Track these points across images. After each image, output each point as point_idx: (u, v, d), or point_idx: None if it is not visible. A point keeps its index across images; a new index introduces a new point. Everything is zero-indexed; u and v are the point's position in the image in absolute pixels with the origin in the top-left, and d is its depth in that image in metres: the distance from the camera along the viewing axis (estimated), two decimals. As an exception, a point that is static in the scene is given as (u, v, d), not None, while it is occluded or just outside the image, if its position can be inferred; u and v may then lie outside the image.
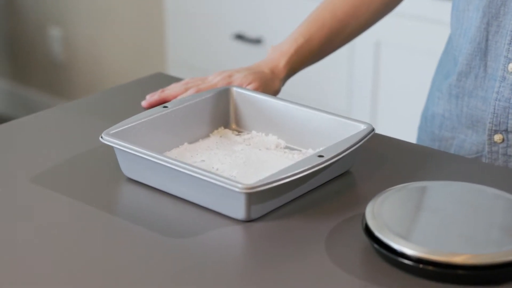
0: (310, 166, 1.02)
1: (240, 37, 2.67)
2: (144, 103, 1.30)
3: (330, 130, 1.14)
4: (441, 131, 1.34)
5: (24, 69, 3.56)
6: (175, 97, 1.28)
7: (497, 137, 1.25)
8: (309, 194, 1.06)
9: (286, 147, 1.18)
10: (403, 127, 2.02)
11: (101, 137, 1.09)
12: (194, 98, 1.20)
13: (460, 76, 1.29)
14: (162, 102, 1.27)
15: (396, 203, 0.99)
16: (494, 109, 1.24)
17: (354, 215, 1.02)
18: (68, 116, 1.31)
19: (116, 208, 1.07)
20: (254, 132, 1.21)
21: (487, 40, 1.24)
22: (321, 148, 1.13)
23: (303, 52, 1.33)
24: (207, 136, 1.20)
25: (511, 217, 0.98)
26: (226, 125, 1.22)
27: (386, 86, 2.41)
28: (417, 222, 0.97)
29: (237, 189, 0.98)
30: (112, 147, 1.09)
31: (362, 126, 1.12)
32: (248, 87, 1.26)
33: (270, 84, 1.30)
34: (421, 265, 0.90)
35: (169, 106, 1.17)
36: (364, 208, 0.98)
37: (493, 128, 1.25)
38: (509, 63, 1.22)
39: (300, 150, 1.16)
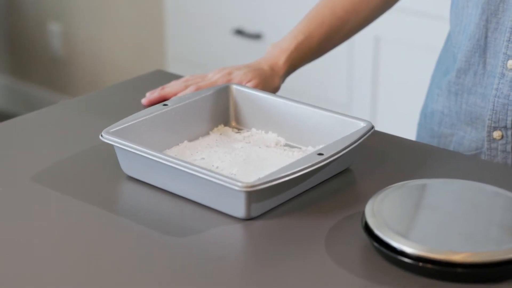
0: (310, 164, 1.02)
1: (239, 32, 2.67)
2: (144, 101, 1.30)
3: (330, 127, 1.14)
4: (440, 128, 1.34)
5: (24, 64, 3.56)
6: (175, 94, 1.28)
7: (496, 134, 1.25)
8: (308, 192, 1.07)
9: (286, 145, 1.18)
10: (403, 122, 2.02)
11: (101, 136, 1.09)
12: (193, 96, 1.20)
13: (459, 73, 1.29)
14: (162, 100, 1.28)
15: (396, 201, 0.99)
16: (493, 105, 1.24)
17: (354, 213, 1.02)
18: (68, 114, 1.31)
19: (116, 206, 1.07)
20: (254, 129, 1.21)
21: (486, 37, 1.24)
22: (321, 146, 1.13)
23: (302, 49, 1.34)
24: (207, 134, 1.20)
25: (510, 215, 0.98)
26: (226, 123, 1.23)
27: (386, 81, 2.41)
28: (416, 220, 0.97)
29: (237, 188, 0.98)
30: (112, 145, 1.09)
31: (362, 124, 1.12)
32: (248, 84, 1.26)
33: (270, 81, 1.30)
34: (420, 263, 0.90)
35: (169, 104, 1.17)
36: (364, 206, 0.99)
37: (492, 124, 1.25)
38: (508, 60, 1.22)
39: (300, 148, 1.17)
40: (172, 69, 2.88)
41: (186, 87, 1.28)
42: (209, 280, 0.92)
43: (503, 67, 1.22)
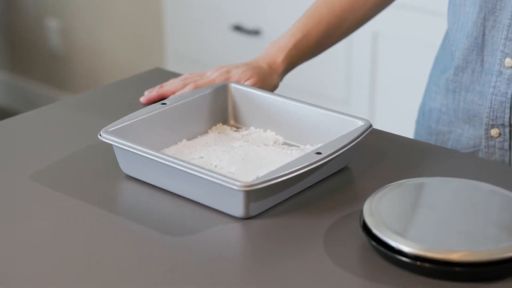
0: (308, 163, 1.02)
1: (238, 28, 2.67)
2: (142, 99, 1.30)
3: (328, 126, 1.15)
4: (438, 125, 1.34)
5: (22, 60, 3.56)
6: (173, 93, 1.28)
7: (494, 132, 1.25)
8: (307, 191, 1.07)
9: (284, 143, 1.18)
10: (402, 118, 2.02)
11: (100, 135, 1.09)
12: (192, 94, 1.20)
13: (457, 70, 1.29)
14: (160, 98, 1.28)
15: (394, 200, 0.99)
16: (491, 103, 1.24)
17: (352, 212, 1.02)
18: (66, 112, 1.31)
19: (115, 205, 1.08)
20: (252, 128, 1.21)
21: (483, 35, 1.25)
22: (319, 144, 1.13)
23: (301, 47, 1.34)
24: (206, 132, 1.20)
25: (508, 214, 0.98)
26: (225, 121, 1.23)
27: (384, 77, 2.42)
28: (414, 219, 0.98)
29: (235, 187, 0.98)
30: (110, 144, 1.09)
31: (360, 123, 1.12)
32: (246, 82, 1.26)
33: (268, 80, 1.30)
34: (418, 263, 0.90)
35: (167, 103, 1.18)
36: (362, 204, 0.99)
37: (490, 122, 1.25)
38: (505, 57, 1.22)
39: (298, 146, 1.17)
40: (170, 63, 2.88)
41: (185, 85, 1.29)
42: (207, 279, 0.92)
43: (501, 65, 1.23)
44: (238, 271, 0.95)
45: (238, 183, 0.98)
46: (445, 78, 1.32)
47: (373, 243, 0.94)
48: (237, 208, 1.01)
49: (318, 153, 1.04)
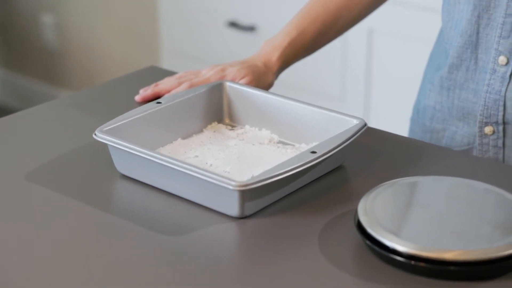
0: (303, 162, 1.03)
1: (233, 24, 2.67)
2: (137, 98, 1.30)
3: (323, 125, 1.15)
4: (432, 123, 1.34)
5: (17, 56, 3.55)
6: (168, 91, 1.28)
7: (488, 129, 1.26)
8: (302, 190, 1.07)
9: (279, 142, 1.18)
10: (397, 115, 2.03)
11: (95, 134, 1.09)
12: (187, 93, 1.20)
13: (451, 68, 1.29)
14: (155, 96, 1.28)
15: (388, 199, 1.00)
16: (485, 101, 1.25)
17: (347, 210, 1.03)
18: (61, 111, 1.31)
19: (110, 205, 1.08)
20: (247, 126, 1.21)
21: (478, 32, 1.25)
22: (314, 143, 1.13)
23: (296, 45, 1.34)
24: (201, 131, 1.21)
25: (502, 212, 0.99)
26: (220, 120, 1.23)
27: (380, 74, 2.42)
28: (409, 218, 0.98)
29: (230, 187, 0.99)
30: (105, 144, 1.09)
31: (355, 121, 1.12)
32: (241, 81, 1.27)
33: (264, 78, 1.31)
34: (413, 262, 0.91)
35: (162, 102, 1.18)
36: (357, 203, 0.99)
37: (484, 120, 1.26)
38: (499, 55, 1.22)
39: (293, 145, 1.17)
40: (165, 59, 2.88)
41: (180, 84, 1.29)
42: (203, 278, 0.92)
43: (495, 63, 1.23)
44: (233, 270, 0.95)
45: (233, 183, 0.98)
46: (440, 76, 1.32)
47: (368, 242, 0.94)
48: (232, 207, 1.01)
49: (313, 152, 1.05)
